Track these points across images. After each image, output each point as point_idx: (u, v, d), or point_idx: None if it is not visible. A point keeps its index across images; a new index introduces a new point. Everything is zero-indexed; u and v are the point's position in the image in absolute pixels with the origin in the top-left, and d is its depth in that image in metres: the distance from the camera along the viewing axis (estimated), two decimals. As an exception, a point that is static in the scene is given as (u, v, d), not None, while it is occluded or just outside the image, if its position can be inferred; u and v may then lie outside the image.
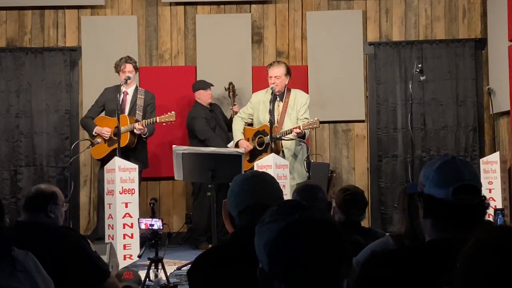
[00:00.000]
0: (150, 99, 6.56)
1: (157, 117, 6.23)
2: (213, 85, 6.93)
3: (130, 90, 6.51)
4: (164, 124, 6.33)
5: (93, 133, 6.42)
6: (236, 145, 6.34)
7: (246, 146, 6.25)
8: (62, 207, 3.24)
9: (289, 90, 6.32)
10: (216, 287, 2.04)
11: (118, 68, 6.45)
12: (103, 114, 6.60)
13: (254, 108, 6.36)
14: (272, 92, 6.09)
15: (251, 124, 6.47)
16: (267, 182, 2.27)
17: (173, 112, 6.26)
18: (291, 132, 5.97)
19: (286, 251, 1.31)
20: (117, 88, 6.31)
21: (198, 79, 7.26)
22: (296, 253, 1.31)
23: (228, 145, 6.69)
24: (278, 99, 6.24)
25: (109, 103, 6.47)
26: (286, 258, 1.31)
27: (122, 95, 6.36)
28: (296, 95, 6.30)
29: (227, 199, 2.28)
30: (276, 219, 1.36)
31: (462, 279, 1.30)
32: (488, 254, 1.26)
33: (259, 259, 1.38)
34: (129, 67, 6.40)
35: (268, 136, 5.95)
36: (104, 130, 6.38)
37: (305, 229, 1.33)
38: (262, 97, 6.31)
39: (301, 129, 5.92)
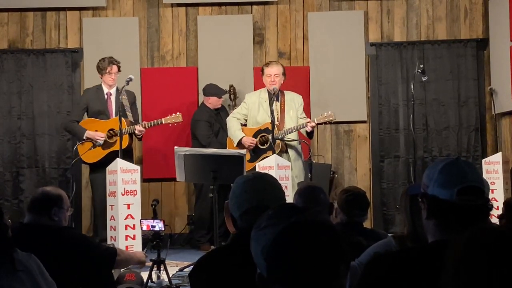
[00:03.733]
0: (133, 97, 6.49)
1: (163, 119, 6.19)
2: (226, 93, 6.92)
3: (113, 91, 6.41)
4: (170, 125, 6.30)
5: (84, 137, 6.24)
6: (239, 144, 6.18)
7: (250, 142, 6.08)
8: (67, 212, 3.25)
9: (282, 92, 6.25)
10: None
11: (104, 70, 6.30)
12: (85, 116, 6.47)
13: (249, 109, 6.25)
14: (269, 93, 6.05)
15: (245, 125, 6.38)
16: (269, 183, 2.26)
17: (178, 113, 6.21)
18: (304, 127, 5.93)
19: (284, 254, 1.32)
20: (98, 89, 6.30)
21: (200, 80, 7.26)
22: (294, 256, 1.31)
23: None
24: (274, 99, 6.16)
25: (92, 104, 6.36)
26: (284, 261, 1.32)
27: (106, 96, 6.35)
28: (292, 96, 6.27)
29: (229, 200, 2.28)
30: (272, 223, 1.36)
31: (452, 280, 1.30)
32: (477, 254, 1.27)
33: (257, 265, 1.38)
34: (115, 68, 6.31)
35: (271, 135, 5.89)
36: (97, 135, 6.21)
37: (302, 232, 1.33)
38: (257, 97, 6.25)
39: (316, 122, 5.90)
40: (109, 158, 6.06)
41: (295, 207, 1.41)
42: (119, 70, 6.37)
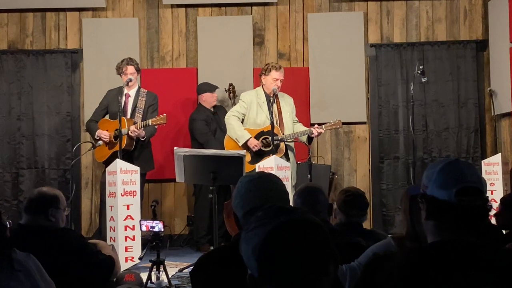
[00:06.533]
0: (152, 100, 6.50)
1: (149, 120, 6.20)
2: (218, 88, 6.91)
3: (132, 92, 6.46)
4: (156, 126, 6.30)
5: (95, 136, 6.37)
6: (244, 144, 6.10)
7: (255, 145, 6.06)
8: (64, 212, 3.24)
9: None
10: (219, 287, 2.04)
11: (119, 70, 6.38)
12: (107, 116, 6.57)
13: (247, 108, 6.24)
14: (266, 94, 6.05)
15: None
16: (274, 184, 2.25)
17: (164, 114, 6.17)
18: (309, 133, 6.00)
19: (275, 253, 1.33)
20: (119, 90, 6.29)
21: (199, 81, 7.26)
22: (284, 254, 1.33)
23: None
24: (274, 100, 6.13)
25: (112, 105, 6.43)
26: (275, 260, 1.33)
27: (124, 98, 6.35)
28: (284, 97, 6.29)
29: (233, 199, 2.27)
30: (262, 223, 1.38)
31: None
32: None
33: (247, 266, 1.39)
34: (130, 69, 6.35)
35: (274, 137, 5.87)
36: (103, 133, 6.31)
37: (292, 230, 1.35)
38: (254, 97, 6.23)
39: (324, 129, 5.98)
40: (115, 158, 6.05)
41: (283, 207, 1.44)
42: (137, 71, 6.42)
